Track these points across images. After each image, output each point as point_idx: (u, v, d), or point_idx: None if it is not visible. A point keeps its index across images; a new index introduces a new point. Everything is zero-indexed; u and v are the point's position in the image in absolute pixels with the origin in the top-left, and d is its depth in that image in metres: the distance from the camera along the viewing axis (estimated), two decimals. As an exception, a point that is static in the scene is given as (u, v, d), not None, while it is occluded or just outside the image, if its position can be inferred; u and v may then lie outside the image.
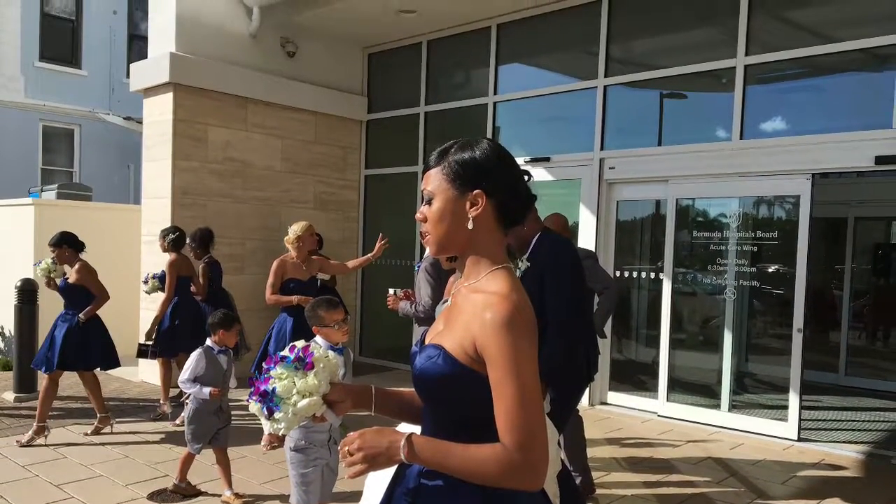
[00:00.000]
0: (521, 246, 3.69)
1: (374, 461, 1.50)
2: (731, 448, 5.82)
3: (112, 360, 5.79)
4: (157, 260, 7.04)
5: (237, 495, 4.33)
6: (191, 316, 6.35)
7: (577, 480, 4.32)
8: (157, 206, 7.72)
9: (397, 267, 8.88)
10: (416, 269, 4.54)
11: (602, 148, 7.12)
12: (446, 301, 1.94)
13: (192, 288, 6.49)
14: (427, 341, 1.64)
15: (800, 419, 5.97)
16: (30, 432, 5.41)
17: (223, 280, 6.84)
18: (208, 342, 4.36)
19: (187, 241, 6.55)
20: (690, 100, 6.97)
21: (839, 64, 5.98)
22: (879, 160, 5.56)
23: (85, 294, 5.59)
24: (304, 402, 1.61)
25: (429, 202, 1.61)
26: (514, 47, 8.03)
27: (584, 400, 6.66)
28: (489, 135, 8.02)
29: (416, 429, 1.64)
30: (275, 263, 5.62)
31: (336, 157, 9.21)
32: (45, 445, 5.36)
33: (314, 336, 3.40)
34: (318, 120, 8.93)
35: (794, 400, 5.96)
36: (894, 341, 9.53)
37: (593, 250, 6.54)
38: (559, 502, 3.18)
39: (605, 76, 7.12)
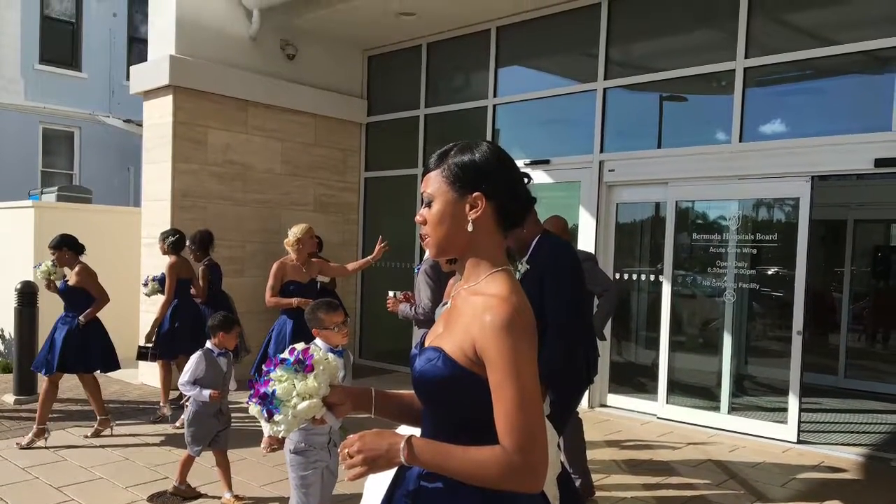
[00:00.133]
0: (521, 248, 3.69)
1: (373, 463, 1.51)
2: (731, 450, 5.81)
3: (112, 363, 5.79)
4: (156, 262, 7.04)
5: (237, 497, 4.33)
6: (190, 318, 6.35)
7: (577, 482, 4.32)
8: (156, 209, 7.73)
9: (397, 269, 8.89)
10: (416, 271, 4.54)
11: (602, 150, 7.13)
12: (446, 303, 1.94)
13: (192, 290, 6.49)
14: (427, 344, 1.64)
15: (799, 421, 5.97)
16: (30, 434, 5.41)
17: (223, 282, 6.84)
18: (208, 344, 4.36)
19: (187, 243, 6.56)
20: (690, 102, 6.98)
21: (838, 66, 5.99)
22: (879, 163, 5.57)
23: (85, 296, 5.60)
24: (304, 404, 1.61)
25: (428, 205, 1.61)
26: (513, 50, 8.04)
27: (584, 402, 6.66)
28: (489, 137, 8.02)
29: (416, 431, 1.64)
30: (274, 266, 5.63)
31: (336, 159, 9.22)
32: (45, 448, 5.36)
33: (314, 338, 3.40)
34: (318, 122, 8.94)
35: (793, 402, 5.96)
36: (894, 343, 9.53)
37: (593, 252, 6.55)
38: (559, 504, 3.18)
39: (605, 79, 7.13)
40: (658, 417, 6.66)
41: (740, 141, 6.28)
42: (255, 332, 7.09)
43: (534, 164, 7.49)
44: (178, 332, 6.29)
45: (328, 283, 7.46)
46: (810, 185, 5.86)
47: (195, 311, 6.44)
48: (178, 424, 5.89)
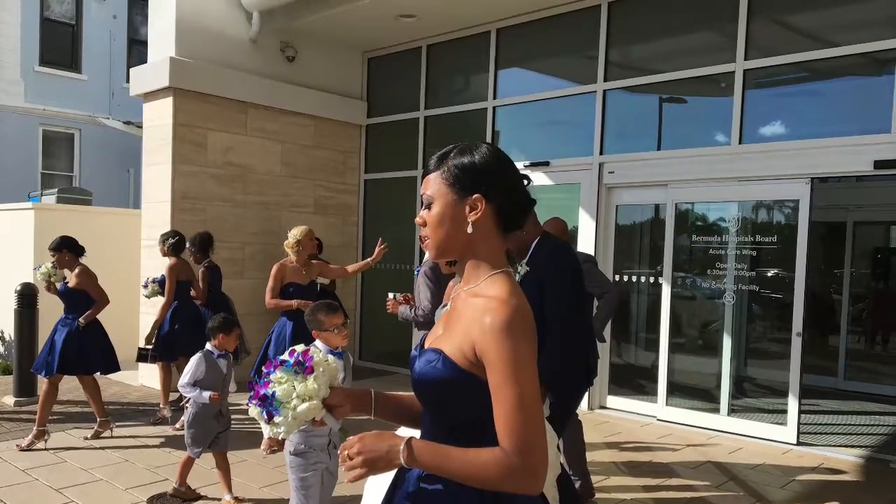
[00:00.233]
0: (521, 250, 3.69)
1: (373, 465, 1.51)
2: (731, 452, 5.81)
3: (112, 365, 5.79)
4: (156, 264, 7.04)
5: (237, 499, 4.33)
6: (190, 320, 6.35)
7: (577, 484, 4.33)
8: (156, 211, 7.73)
9: (397, 271, 8.89)
10: (416, 273, 4.54)
11: (601, 152, 7.13)
12: (446, 305, 1.95)
13: (192, 292, 6.49)
14: (426, 345, 1.64)
15: (799, 423, 5.98)
16: (30, 436, 5.41)
17: (223, 284, 6.85)
18: (208, 346, 4.36)
19: (187, 245, 6.56)
20: (690, 104, 6.98)
21: (838, 68, 5.99)
22: (878, 164, 5.58)
23: (85, 298, 5.60)
24: (304, 406, 1.61)
25: (428, 206, 1.61)
26: (513, 52, 8.04)
27: (584, 404, 6.67)
28: (489, 139, 8.03)
29: (416, 433, 1.64)
30: (274, 267, 5.63)
31: (336, 161, 9.22)
32: (45, 449, 5.36)
33: (314, 340, 3.40)
34: (318, 124, 8.94)
35: (793, 404, 5.96)
36: (893, 345, 9.54)
37: (592, 254, 6.55)
38: (558, 506, 3.18)
39: (605, 80, 7.14)
40: (658, 419, 6.66)
41: (740, 143, 6.28)
42: (254, 334, 7.10)
43: (533, 165, 7.49)
44: (178, 334, 6.28)
45: (328, 284, 7.46)
46: (810, 187, 5.86)
47: (195, 312, 6.44)
48: (178, 426, 5.89)
